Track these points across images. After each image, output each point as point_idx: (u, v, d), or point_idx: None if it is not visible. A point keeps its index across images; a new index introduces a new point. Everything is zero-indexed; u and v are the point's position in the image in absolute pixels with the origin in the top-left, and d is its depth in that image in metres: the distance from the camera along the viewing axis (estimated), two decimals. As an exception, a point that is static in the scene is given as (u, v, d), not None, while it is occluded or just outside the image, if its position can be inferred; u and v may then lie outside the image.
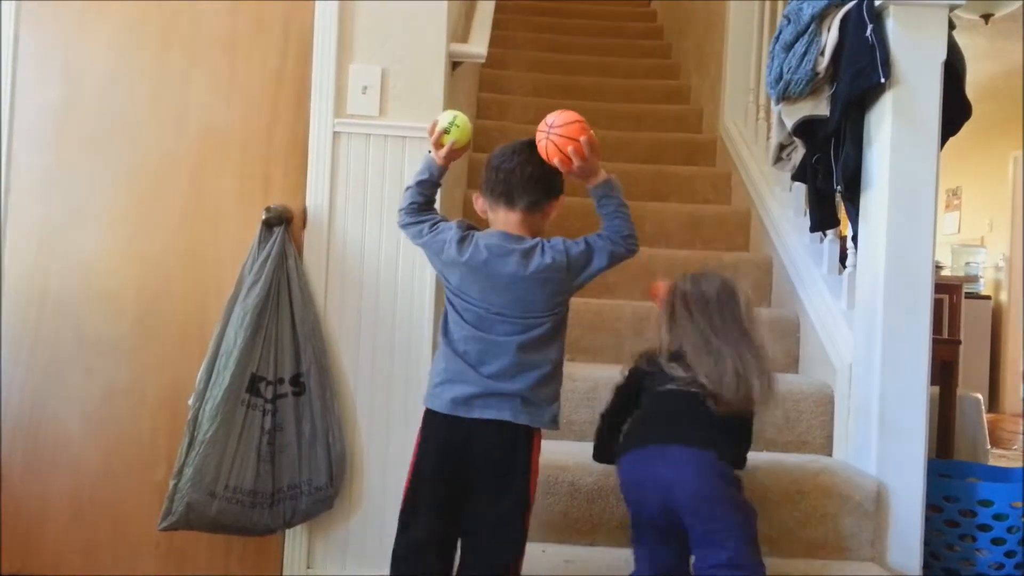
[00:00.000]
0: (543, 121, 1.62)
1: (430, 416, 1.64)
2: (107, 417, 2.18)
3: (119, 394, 2.18)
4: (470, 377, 1.58)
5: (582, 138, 1.58)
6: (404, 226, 1.77)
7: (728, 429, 1.73)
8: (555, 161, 1.59)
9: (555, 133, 1.59)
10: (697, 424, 1.73)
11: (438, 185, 1.80)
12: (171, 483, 1.97)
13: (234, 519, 1.98)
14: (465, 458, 1.57)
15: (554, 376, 1.63)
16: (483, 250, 1.61)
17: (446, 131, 1.71)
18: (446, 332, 1.65)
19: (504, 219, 1.64)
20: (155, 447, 2.17)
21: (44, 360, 2.18)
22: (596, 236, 1.63)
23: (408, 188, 1.79)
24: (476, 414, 1.56)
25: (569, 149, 1.57)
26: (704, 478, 1.65)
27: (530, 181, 1.62)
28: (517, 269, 1.58)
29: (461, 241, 1.65)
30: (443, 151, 1.73)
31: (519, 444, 1.58)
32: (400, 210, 1.78)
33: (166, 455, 2.13)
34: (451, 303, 1.65)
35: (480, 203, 1.70)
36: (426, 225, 1.72)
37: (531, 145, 1.64)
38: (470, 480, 1.58)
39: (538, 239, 1.62)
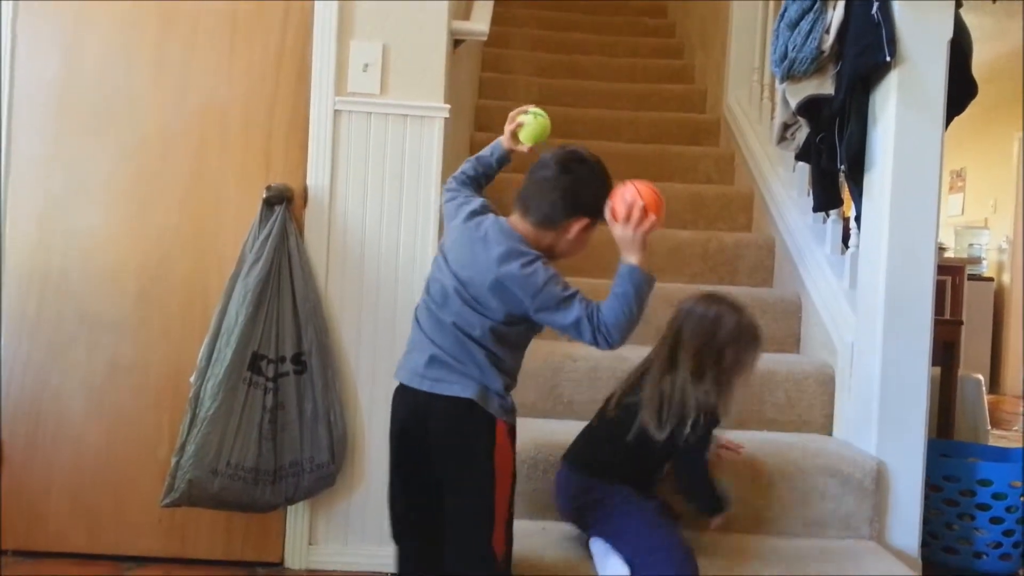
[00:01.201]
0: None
1: (396, 387, 1.62)
2: (109, 394, 2.19)
3: (121, 371, 2.19)
4: (424, 345, 1.55)
5: (639, 202, 1.50)
6: (446, 189, 1.72)
7: (623, 442, 1.75)
8: (612, 200, 1.53)
9: (634, 183, 1.54)
10: (583, 437, 1.86)
11: (493, 168, 1.75)
12: (173, 460, 1.99)
13: (236, 496, 2.00)
14: (422, 431, 1.55)
15: (499, 369, 1.54)
16: (485, 229, 1.57)
17: (522, 124, 1.69)
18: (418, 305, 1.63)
19: (519, 223, 1.57)
20: (157, 424, 2.18)
21: (46, 337, 2.19)
22: (589, 301, 1.51)
23: (468, 160, 1.76)
24: (428, 387, 1.53)
25: (628, 196, 1.51)
26: (567, 498, 1.80)
27: (548, 197, 1.54)
28: (492, 263, 1.51)
29: (477, 212, 1.61)
30: (511, 141, 1.72)
31: (477, 424, 1.52)
32: (451, 176, 1.74)
33: (168, 432, 2.14)
34: (431, 271, 1.63)
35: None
36: (462, 195, 1.68)
37: (571, 160, 1.56)
38: (430, 455, 1.56)
39: (537, 254, 1.53)
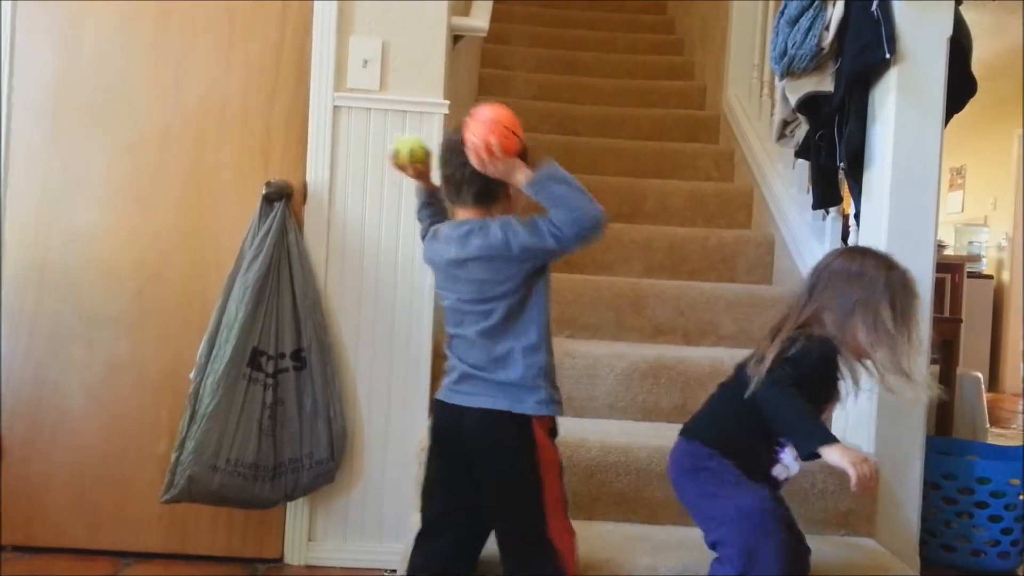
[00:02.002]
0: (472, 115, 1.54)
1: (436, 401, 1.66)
2: (109, 390, 2.19)
3: (120, 368, 2.19)
4: (458, 365, 1.59)
5: (478, 144, 1.48)
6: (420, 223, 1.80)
7: (725, 399, 1.67)
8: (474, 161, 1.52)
9: (470, 131, 1.51)
10: (705, 405, 1.74)
11: (430, 196, 1.78)
12: (173, 456, 1.99)
13: (236, 492, 2.00)
14: (458, 443, 1.58)
15: (531, 360, 1.54)
16: (440, 239, 1.62)
17: (397, 152, 1.73)
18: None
19: (464, 213, 1.61)
20: (157, 420, 2.18)
21: (45, 334, 2.19)
22: (541, 219, 1.51)
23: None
24: (458, 400, 1.57)
25: (470, 146, 1.50)
26: (672, 471, 1.69)
27: (471, 181, 1.56)
28: (458, 252, 1.56)
29: (428, 236, 1.68)
30: (407, 173, 1.75)
31: (509, 430, 1.53)
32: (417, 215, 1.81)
33: (168, 428, 2.14)
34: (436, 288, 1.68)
35: None
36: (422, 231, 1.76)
37: (445, 144, 1.61)
38: (467, 463, 1.58)
39: (481, 220, 1.56)
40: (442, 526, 1.62)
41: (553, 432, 1.60)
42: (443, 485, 1.63)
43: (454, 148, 1.56)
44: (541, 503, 1.53)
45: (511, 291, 1.54)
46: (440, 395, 1.62)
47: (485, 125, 1.50)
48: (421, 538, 1.64)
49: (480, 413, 1.54)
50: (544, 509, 1.53)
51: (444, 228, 1.64)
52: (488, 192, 1.57)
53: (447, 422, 1.60)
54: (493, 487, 1.56)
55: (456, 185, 1.58)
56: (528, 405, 1.53)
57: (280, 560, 2.19)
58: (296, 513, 2.18)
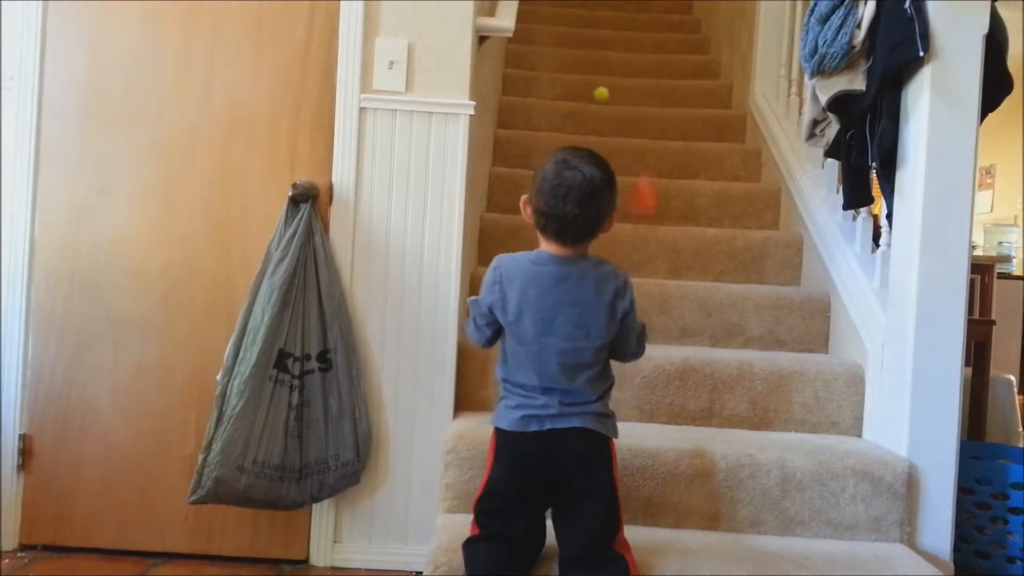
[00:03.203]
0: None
1: (507, 434, 1.64)
2: (136, 392, 2.20)
3: (148, 369, 2.20)
4: (534, 396, 1.62)
5: None
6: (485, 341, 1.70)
7: None
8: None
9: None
10: None
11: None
12: (200, 457, 2.00)
13: (262, 493, 2.00)
14: (546, 464, 1.60)
15: (606, 389, 1.68)
16: (544, 275, 1.59)
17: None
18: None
19: (555, 248, 1.61)
20: (184, 422, 2.19)
21: (74, 336, 2.20)
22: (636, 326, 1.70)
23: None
24: (550, 425, 1.59)
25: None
26: None
27: (583, 225, 1.58)
28: (592, 295, 1.61)
29: (502, 282, 1.62)
30: None
31: (602, 448, 1.63)
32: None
33: (195, 430, 2.15)
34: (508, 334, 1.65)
35: (528, 213, 1.63)
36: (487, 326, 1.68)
37: (584, 185, 1.56)
38: (558, 483, 1.61)
39: (620, 275, 1.65)
40: (525, 538, 1.64)
41: None
42: (529, 502, 1.63)
43: (571, 195, 1.56)
44: (618, 512, 1.63)
45: (606, 341, 1.65)
46: (522, 427, 1.59)
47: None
48: (498, 546, 1.62)
49: (574, 433, 1.59)
50: (620, 517, 1.63)
51: (546, 265, 1.60)
52: (593, 234, 1.62)
53: (537, 449, 1.59)
54: (581, 500, 1.59)
55: (566, 223, 1.57)
56: (608, 427, 1.65)
57: (306, 561, 2.19)
58: (322, 514, 2.18)
